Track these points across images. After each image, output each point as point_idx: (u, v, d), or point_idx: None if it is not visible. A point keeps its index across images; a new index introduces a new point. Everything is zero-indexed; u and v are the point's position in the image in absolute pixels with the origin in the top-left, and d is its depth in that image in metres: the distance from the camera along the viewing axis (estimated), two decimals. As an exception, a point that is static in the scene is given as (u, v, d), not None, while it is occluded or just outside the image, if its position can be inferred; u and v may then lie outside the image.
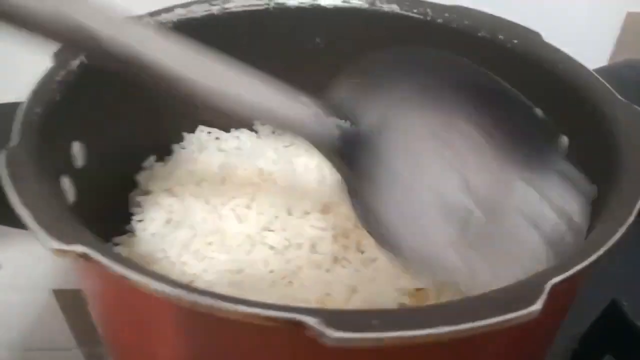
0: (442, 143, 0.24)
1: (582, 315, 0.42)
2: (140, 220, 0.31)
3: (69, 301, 0.65)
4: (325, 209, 0.31)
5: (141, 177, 0.34)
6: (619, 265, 0.49)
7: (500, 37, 0.32)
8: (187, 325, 0.16)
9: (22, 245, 0.59)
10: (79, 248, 0.16)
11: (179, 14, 0.32)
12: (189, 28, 0.32)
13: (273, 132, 0.37)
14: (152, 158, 0.35)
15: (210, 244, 0.29)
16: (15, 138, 0.21)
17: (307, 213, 0.30)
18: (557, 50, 0.30)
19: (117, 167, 0.31)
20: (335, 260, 0.28)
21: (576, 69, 0.28)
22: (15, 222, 0.27)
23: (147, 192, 0.33)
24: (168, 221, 0.31)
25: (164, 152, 0.35)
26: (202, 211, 0.31)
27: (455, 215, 0.23)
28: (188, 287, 0.15)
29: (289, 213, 0.31)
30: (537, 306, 0.15)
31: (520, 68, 0.31)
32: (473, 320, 0.14)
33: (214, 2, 0.33)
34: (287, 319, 0.14)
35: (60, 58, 0.27)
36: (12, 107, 0.24)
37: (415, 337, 0.14)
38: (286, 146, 0.36)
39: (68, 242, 0.16)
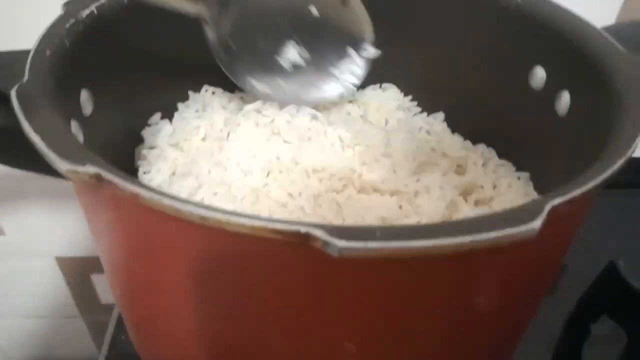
0: None
1: (579, 279, 0.43)
2: (146, 172, 0.31)
3: (72, 269, 0.66)
4: (328, 166, 0.31)
5: (147, 133, 0.34)
6: (617, 230, 0.50)
7: (505, -5, 0.32)
8: (195, 244, 0.17)
9: (26, 213, 0.60)
10: (92, 169, 0.17)
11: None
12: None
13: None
14: (157, 115, 0.35)
15: (215, 194, 0.29)
16: (25, 75, 0.22)
17: (315, 170, 0.31)
18: (560, 8, 0.30)
19: (124, 121, 0.32)
20: (337, 213, 0.29)
21: (579, 25, 0.29)
22: (24, 163, 0.27)
23: (152, 147, 0.34)
24: (173, 173, 0.31)
25: (169, 110, 0.36)
26: (207, 164, 0.31)
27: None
28: (198, 203, 0.15)
29: (293, 167, 0.31)
30: (537, 223, 0.15)
31: (524, 25, 0.31)
32: (473, 233, 0.15)
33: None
34: (294, 231, 0.15)
35: (69, 7, 0.27)
36: (25, 54, 0.24)
37: (416, 247, 0.14)
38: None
39: (81, 163, 0.17)
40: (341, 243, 0.14)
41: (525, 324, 0.25)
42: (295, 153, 0.32)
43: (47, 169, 0.27)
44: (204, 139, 0.33)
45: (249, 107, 0.35)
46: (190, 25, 0.32)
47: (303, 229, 0.15)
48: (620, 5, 0.45)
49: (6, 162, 0.27)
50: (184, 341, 0.21)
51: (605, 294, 0.41)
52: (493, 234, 0.15)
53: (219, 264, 0.17)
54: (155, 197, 0.16)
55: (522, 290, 0.21)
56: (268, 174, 0.31)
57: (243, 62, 0.34)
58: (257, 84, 0.34)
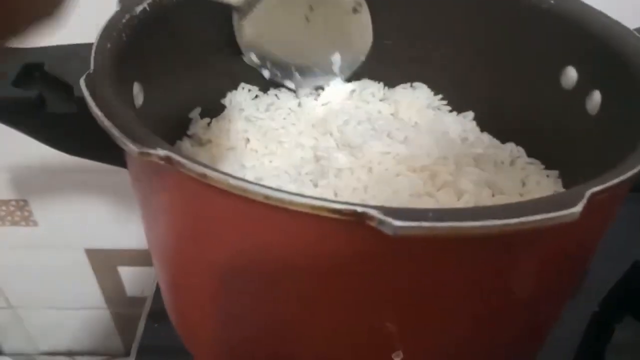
0: None
1: (602, 284, 0.43)
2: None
3: (101, 261, 0.68)
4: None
5: (190, 125, 0.36)
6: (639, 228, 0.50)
7: (539, -4, 0.33)
8: (257, 222, 0.18)
9: (58, 206, 0.62)
10: (162, 152, 0.18)
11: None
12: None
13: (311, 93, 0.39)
14: (197, 109, 0.37)
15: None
16: (91, 65, 0.23)
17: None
18: (592, 9, 0.31)
19: (169, 113, 0.33)
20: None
21: (611, 26, 0.29)
22: (80, 150, 0.29)
23: (194, 140, 0.35)
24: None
25: (209, 105, 0.37)
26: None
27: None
28: (263, 184, 0.17)
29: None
30: (578, 208, 0.16)
31: (557, 27, 0.32)
32: (519, 216, 0.16)
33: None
34: (352, 211, 0.16)
35: (124, 3, 0.29)
36: (82, 47, 0.26)
37: (465, 227, 0.16)
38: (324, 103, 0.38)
39: (152, 147, 0.18)
40: (397, 222, 0.16)
41: (558, 312, 0.26)
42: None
43: (102, 155, 0.29)
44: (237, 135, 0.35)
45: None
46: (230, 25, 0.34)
47: (360, 209, 0.16)
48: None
49: (63, 148, 0.29)
50: (234, 318, 0.23)
51: (629, 294, 0.42)
52: (538, 217, 0.16)
53: (279, 242, 0.18)
54: (222, 177, 0.17)
55: (558, 276, 0.22)
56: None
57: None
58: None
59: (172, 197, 0.21)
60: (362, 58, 0.38)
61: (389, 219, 0.16)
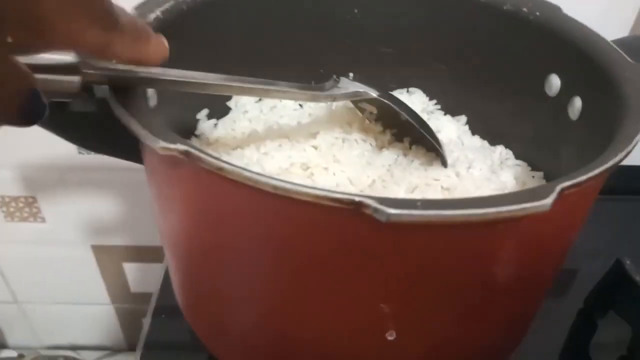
0: None
1: (588, 282, 0.46)
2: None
3: (106, 257, 0.70)
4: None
5: (198, 126, 0.38)
6: (623, 233, 0.53)
7: (524, 9, 0.35)
8: (266, 211, 0.20)
9: (66, 202, 0.64)
10: (181, 147, 0.20)
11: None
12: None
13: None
14: (205, 111, 0.39)
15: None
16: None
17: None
18: (574, 21, 0.33)
19: (179, 114, 0.36)
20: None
21: (591, 37, 0.32)
22: (99, 146, 0.31)
23: (201, 140, 0.38)
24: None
25: (215, 107, 0.40)
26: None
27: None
28: (272, 176, 0.19)
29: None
30: (549, 200, 0.18)
31: (541, 38, 0.34)
32: (496, 206, 0.18)
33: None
34: (350, 200, 0.18)
35: (139, 11, 0.31)
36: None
37: (449, 216, 0.18)
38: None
39: (172, 142, 0.20)
40: (390, 210, 0.18)
41: (539, 301, 0.28)
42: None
43: (118, 151, 0.31)
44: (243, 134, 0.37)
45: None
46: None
47: (357, 198, 0.18)
48: (633, 21, 0.48)
49: (83, 144, 0.31)
50: (244, 301, 0.25)
51: (612, 290, 0.44)
52: (513, 207, 0.18)
53: (285, 228, 0.21)
54: (237, 170, 0.19)
55: (536, 265, 0.24)
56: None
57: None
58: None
59: (188, 188, 0.23)
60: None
61: (383, 207, 0.18)
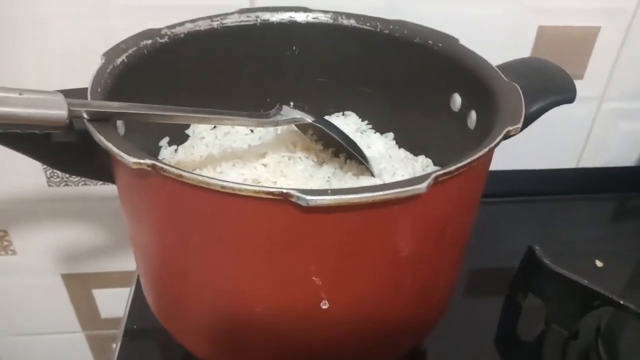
0: None
1: (514, 269, 0.53)
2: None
3: (76, 285, 0.72)
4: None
5: (160, 152, 0.44)
6: (534, 219, 0.61)
7: (430, 42, 0.43)
8: (217, 206, 0.26)
9: (36, 233, 0.67)
10: (149, 161, 0.26)
11: (189, 27, 0.42)
12: (196, 38, 0.42)
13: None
14: (166, 138, 0.45)
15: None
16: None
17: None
18: (468, 50, 0.41)
19: (144, 141, 0.41)
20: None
21: (480, 63, 0.39)
22: (79, 170, 0.36)
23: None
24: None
25: (175, 135, 0.46)
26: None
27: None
28: (220, 178, 0.25)
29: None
30: (424, 185, 0.25)
31: (444, 64, 0.42)
32: (384, 190, 0.25)
33: (214, 19, 0.43)
34: (280, 192, 0.25)
35: (107, 57, 0.37)
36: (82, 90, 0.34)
37: (349, 199, 0.25)
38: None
39: (142, 158, 0.26)
40: (308, 197, 0.24)
41: (446, 275, 0.35)
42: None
43: (93, 172, 0.36)
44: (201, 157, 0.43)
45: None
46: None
47: (285, 190, 0.25)
48: (533, 43, 0.57)
49: (63, 169, 0.36)
50: (207, 286, 0.31)
51: (528, 274, 0.51)
52: (396, 190, 0.25)
53: (232, 219, 0.27)
54: (193, 176, 0.25)
55: (430, 239, 0.31)
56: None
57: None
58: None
59: (155, 194, 0.29)
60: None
61: (303, 195, 0.24)
